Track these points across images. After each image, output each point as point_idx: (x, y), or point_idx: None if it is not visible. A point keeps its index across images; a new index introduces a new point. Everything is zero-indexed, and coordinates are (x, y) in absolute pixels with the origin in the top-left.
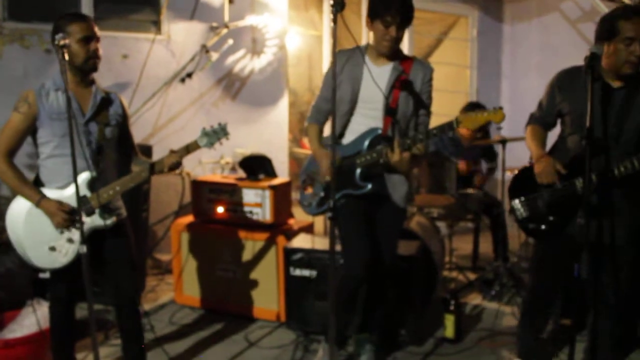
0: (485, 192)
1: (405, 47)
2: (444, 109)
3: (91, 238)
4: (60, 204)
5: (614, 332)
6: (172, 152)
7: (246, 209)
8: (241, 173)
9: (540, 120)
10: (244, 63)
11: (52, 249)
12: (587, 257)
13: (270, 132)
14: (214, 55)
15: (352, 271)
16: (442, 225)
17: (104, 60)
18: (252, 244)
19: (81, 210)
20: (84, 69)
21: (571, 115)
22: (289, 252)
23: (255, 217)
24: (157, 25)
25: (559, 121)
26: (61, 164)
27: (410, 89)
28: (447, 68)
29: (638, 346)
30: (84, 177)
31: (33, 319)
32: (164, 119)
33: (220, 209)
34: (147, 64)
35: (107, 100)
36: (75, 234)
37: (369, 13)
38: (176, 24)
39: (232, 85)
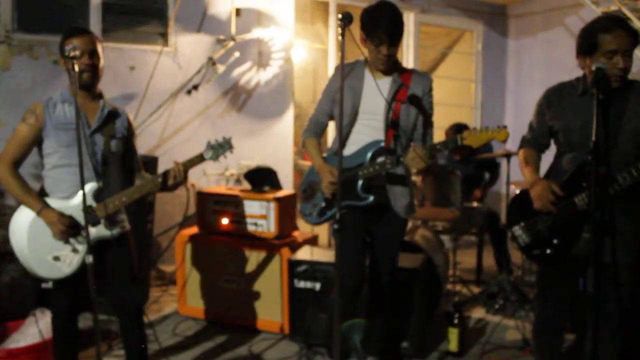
0: (489, 207)
1: (410, 60)
2: (449, 122)
3: (95, 249)
4: (61, 214)
5: (617, 345)
6: (176, 163)
7: (251, 220)
8: (246, 185)
9: (533, 142)
10: (250, 75)
11: (56, 258)
12: (593, 272)
13: (275, 145)
14: (221, 68)
15: (343, 284)
16: (446, 238)
17: (110, 71)
18: (256, 255)
19: (88, 220)
20: (80, 82)
21: (563, 133)
22: (293, 264)
23: (259, 229)
24: (164, 37)
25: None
26: (66, 174)
27: (413, 102)
28: (452, 82)
29: None
30: (89, 187)
31: (36, 328)
32: (170, 130)
33: (224, 221)
34: (153, 76)
35: (114, 114)
36: (79, 244)
37: (361, 31)
38: (183, 37)
39: (238, 97)
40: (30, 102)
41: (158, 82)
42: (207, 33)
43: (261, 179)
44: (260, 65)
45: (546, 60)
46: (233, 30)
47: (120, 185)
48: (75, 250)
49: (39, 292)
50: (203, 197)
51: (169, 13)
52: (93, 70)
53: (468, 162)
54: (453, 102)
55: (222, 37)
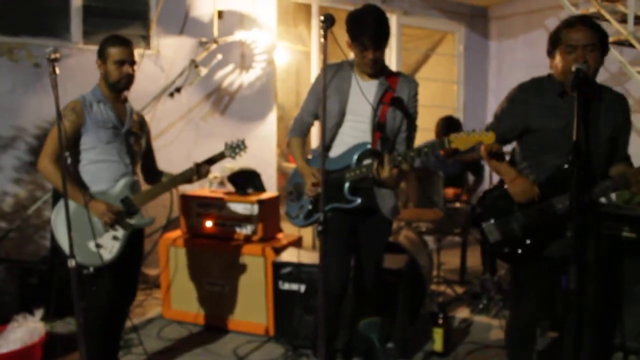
0: (473, 206)
1: (392, 62)
2: (431, 124)
3: (130, 238)
4: (108, 204)
5: (594, 340)
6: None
7: (235, 223)
8: (230, 187)
9: (499, 137)
10: (233, 78)
11: (99, 246)
12: (576, 269)
13: (259, 147)
14: (203, 70)
15: (329, 287)
16: (430, 239)
17: (92, 74)
18: (240, 258)
19: (129, 211)
20: (117, 87)
21: (542, 134)
22: (277, 266)
23: (244, 232)
24: (146, 40)
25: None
26: (104, 169)
27: (399, 105)
28: (435, 83)
29: (615, 353)
30: (127, 180)
31: (19, 334)
32: (153, 133)
33: (208, 224)
34: (136, 79)
35: (138, 116)
36: (119, 232)
37: (348, 34)
38: (165, 39)
39: (220, 100)
40: (11, 105)
41: (140, 84)
42: (189, 35)
43: (245, 181)
44: (242, 67)
45: (527, 61)
46: (215, 32)
47: (143, 180)
48: (115, 238)
49: (21, 298)
50: (187, 200)
51: (151, 15)
52: (130, 79)
53: (451, 162)
54: (435, 103)
55: (204, 39)
